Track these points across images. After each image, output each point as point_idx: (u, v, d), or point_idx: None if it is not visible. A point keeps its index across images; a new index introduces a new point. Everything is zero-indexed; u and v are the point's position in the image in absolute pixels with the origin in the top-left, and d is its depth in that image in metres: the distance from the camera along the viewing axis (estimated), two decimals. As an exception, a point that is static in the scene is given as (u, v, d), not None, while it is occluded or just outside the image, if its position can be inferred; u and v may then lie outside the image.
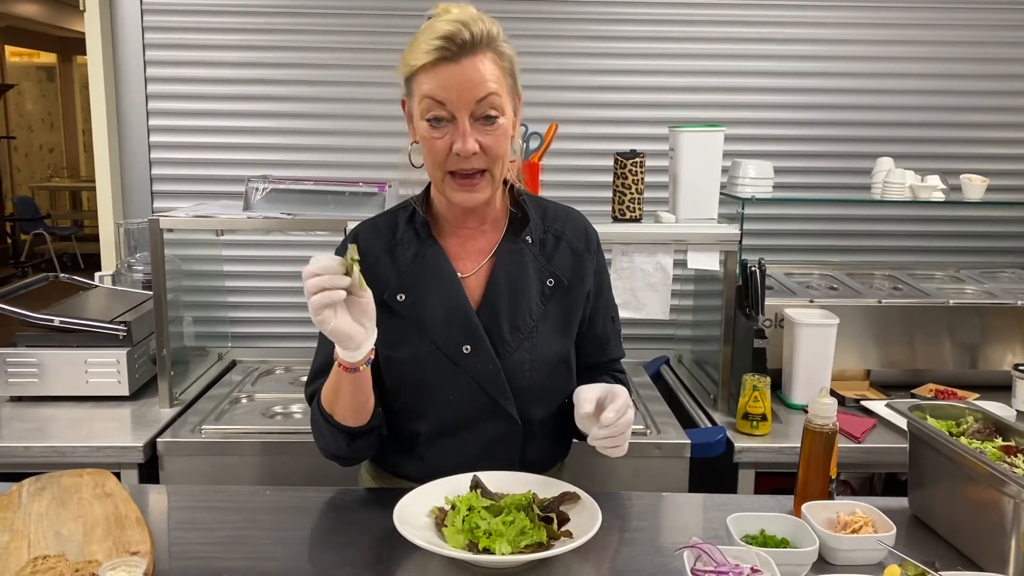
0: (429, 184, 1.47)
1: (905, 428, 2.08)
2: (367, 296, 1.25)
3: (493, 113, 1.32)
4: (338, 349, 1.28)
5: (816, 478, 1.41)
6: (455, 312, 1.42)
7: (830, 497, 1.42)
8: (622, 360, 1.61)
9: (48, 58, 11.79)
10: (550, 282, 1.46)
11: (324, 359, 1.48)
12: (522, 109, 1.44)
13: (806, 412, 2.24)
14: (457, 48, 1.28)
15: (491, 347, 1.41)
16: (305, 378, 2.56)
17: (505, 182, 1.46)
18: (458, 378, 1.41)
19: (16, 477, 1.59)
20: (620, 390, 1.36)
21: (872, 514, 1.36)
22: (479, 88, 1.30)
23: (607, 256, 1.65)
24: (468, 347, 1.41)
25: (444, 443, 1.46)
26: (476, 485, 1.40)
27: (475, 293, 1.45)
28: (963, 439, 1.39)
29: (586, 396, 1.34)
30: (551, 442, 1.54)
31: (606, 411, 1.30)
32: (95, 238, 3.02)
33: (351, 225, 2.18)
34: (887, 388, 2.45)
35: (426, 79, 1.31)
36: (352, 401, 1.36)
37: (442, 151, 1.33)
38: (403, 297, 1.43)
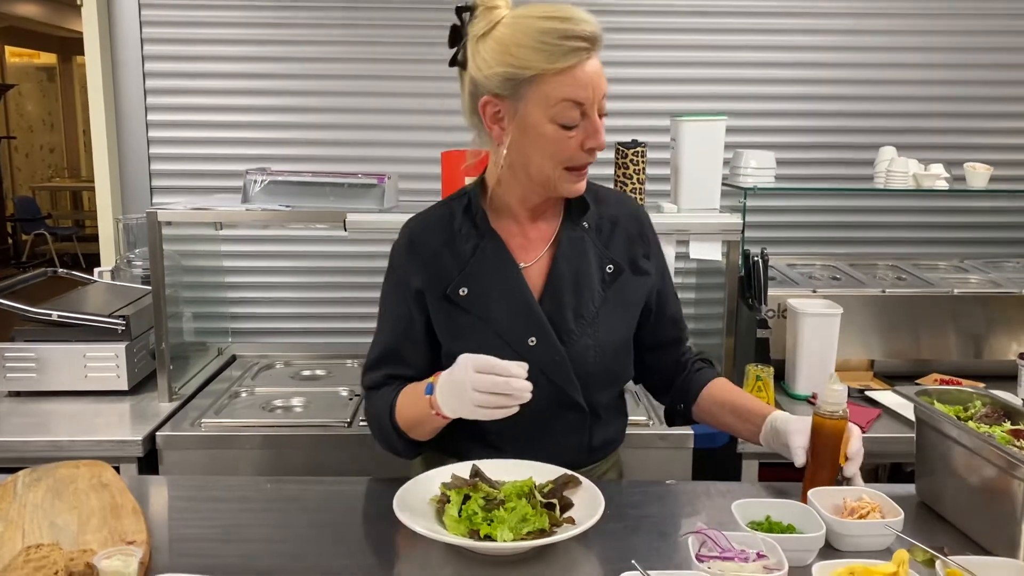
0: (483, 175, 1.48)
1: (910, 418, 2.08)
2: None
3: (605, 106, 1.35)
4: (443, 408, 1.33)
5: (825, 467, 1.38)
6: (519, 305, 1.42)
7: (839, 485, 1.40)
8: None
9: (48, 58, 11.79)
10: (609, 268, 1.47)
11: (384, 347, 1.49)
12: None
13: (811, 402, 2.25)
14: (592, 44, 1.30)
15: (556, 337, 1.41)
16: (306, 372, 2.61)
17: None
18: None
19: (15, 472, 1.57)
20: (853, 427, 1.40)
21: (879, 500, 1.34)
22: (603, 82, 1.32)
23: None
24: (533, 339, 1.40)
25: (514, 433, 1.44)
26: (476, 473, 1.38)
27: (537, 283, 1.45)
28: (971, 423, 1.37)
29: (795, 428, 1.41)
30: (614, 425, 1.55)
31: (852, 442, 1.38)
32: (96, 238, 3.01)
33: (350, 217, 2.18)
34: (891, 378, 2.43)
35: (562, 82, 1.29)
36: (436, 430, 1.42)
37: (573, 148, 1.34)
38: (465, 291, 1.42)
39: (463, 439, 1.48)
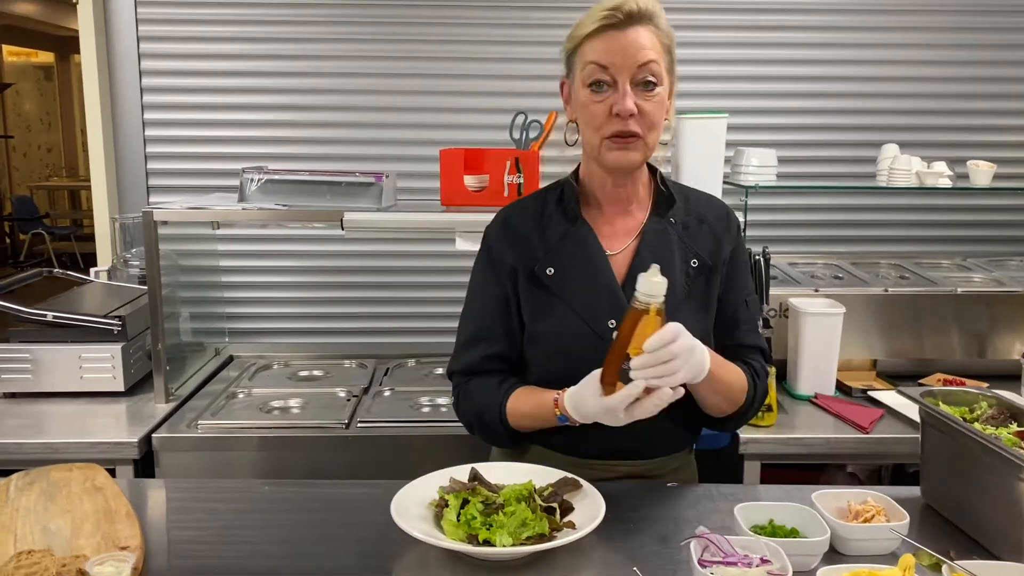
0: (578, 167, 1.54)
1: (913, 418, 2.07)
2: None
3: (652, 80, 1.37)
4: (572, 412, 1.37)
5: (612, 358, 1.30)
6: (602, 288, 1.46)
7: (622, 379, 1.31)
8: (761, 349, 1.57)
9: (46, 57, 11.75)
10: (694, 263, 1.49)
11: (478, 326, 1.54)
12: (676, 89, 1.47)
13: (813, 402, 2.23)
14: (624, 17, 1.36)
15: None
16: (304, 372, 2.59)
17: (652, 168, 1.52)
18: (603, 352, 1.36)
19: (9, 474, 1.55)
20: (677, 326, 1.29)
21: (884, 503, 1.32)
22: (640, 54, 1.36)
23: None
24: (613, 322, 1.42)
25: None
26: (474, 477, 1.37)
27: (621, 270, 1.48)
28: (977, 425, 1.36)
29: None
30: (688, 422, 1.54)
31: (650, 338, 1.27)
32: (94, 237, 2.98)
33: (348, 216, 2.16)
34: (894, 378, 2.41)
35: (591, 46, 1.38)
36: (543, 426, 1.46)
37: (602, 114, 1.38)
38: (552, 271, 1.47)
39: None
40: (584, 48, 1.39)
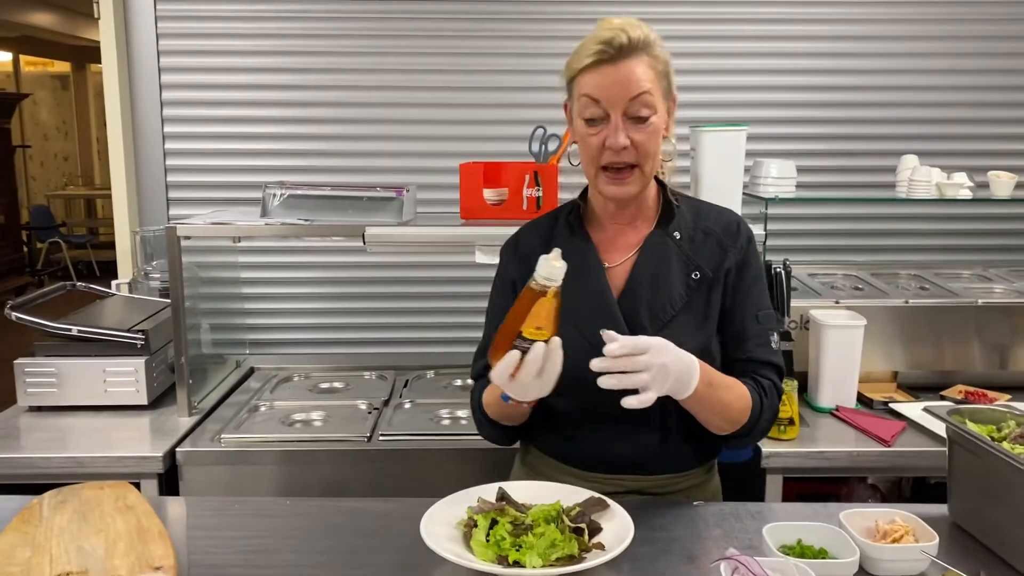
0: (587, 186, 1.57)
1: (935, 431, 2.06)
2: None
3: (645, 112, 1.40)
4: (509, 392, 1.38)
5: (505, 330, 1.31)
6: (597, 299, 1.49)
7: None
8: (774, 365, 1.53)
9: (62, 67, 11.86)
10: (695, 275, 1.50)
11: (485, 340, 1.60)
12: (676, 111, 1.51)
13: (834, 415, 2.22)
14: (615, 51, 1.38)
15: (629, 333, 1.41)
16: (324, 385, 2.60)
17: (659, 181, 1.56)
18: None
19: (37, 488, 1.57)
20: (656, 341, 1.32)
21: (912, 522, 1.32)
22: (633, 86, 1.39)
23: None
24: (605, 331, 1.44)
25: (586, 425, 1.52)
26: (503, 496, 1.37)
27: (618, 282, 1.52)
28: (1005, 444, 1.35)
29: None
30: (697, 437, 1.52)
31: (610, 345, 1.29)
32: (110, 245, 3.01)
33: (369, 230, 2.18)
34: (915, 390, 2.40)
35: (585, 79, 1.41)
36: (524, 416, 1.51)
37: (596, 147, 1.42)
38: None
39: (541, 429, 1.57)
40: (579, 80, 1.43)
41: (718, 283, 1.51)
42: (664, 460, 1.53)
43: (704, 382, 1.37)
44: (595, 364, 1.29)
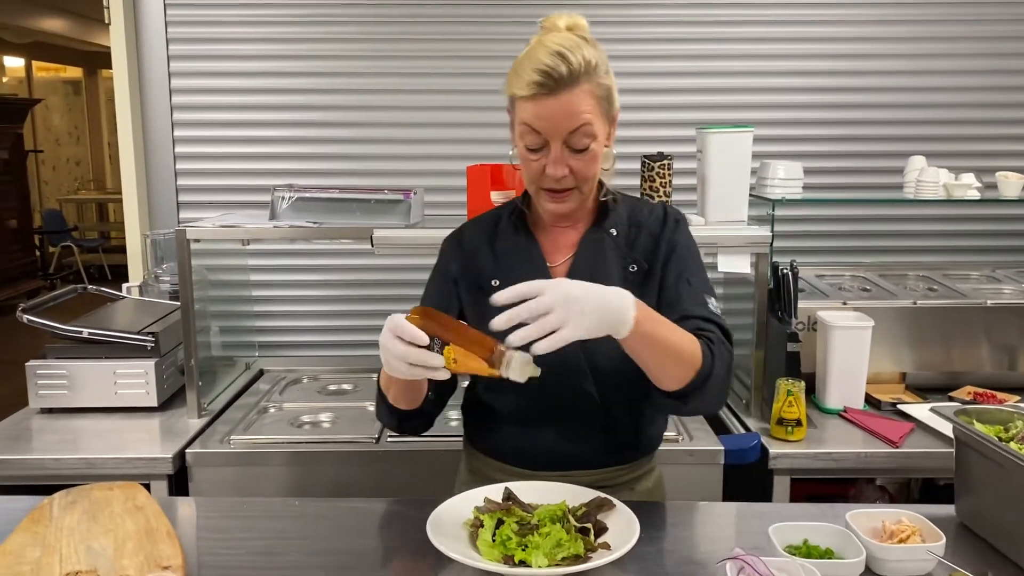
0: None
1: (943, 432, 2.06)
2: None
3: (585, 143, 1.40)
4: (385, 368, 1.32)
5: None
6: None
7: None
8: (715, 323, 1.45)
9: (74, 72, 11.95)
10: (633, 267, 1.52)
11: None
12: (618, 121, 1.50)
13: (843, 416, 2.22)
14: (554, 83, 1.35)
15: None
16: (333, 387, 2.61)
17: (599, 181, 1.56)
18: (541, 357, 1.34)
19: (48, 489, 1.58)
20: (551, 281, 1.25)
21: (919, 523, 1.32)
22: (573, 119, 1.38)
23: None
24: None
25: (531, 424, 1.51)
26: (509, 496, 1.38)
27: None
28: (1013, 444, 1.35)
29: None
30: (640, 428, 1.55)
31: (496, 295, 1.23)
32: (122, 249, 3.03)
33: (377, 233, 2.19)
34: (924, 391, 2.40)
35: (525, 108, 1.39)
36: (404, 391, 1.44)
37: (537, 171, 1.43)
38: (497, 283, 1.50)
39: (482, 427, 1.59)
40: (519, 105, 1.41)
41: (655, 273, 1.52)
42: (609, 453, 1.54)
43: (643, 315, 1.27)
44: (495, 322, 1.21)
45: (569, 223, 1.56)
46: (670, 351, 1.31)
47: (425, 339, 1.24)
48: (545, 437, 1.51)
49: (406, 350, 1.24)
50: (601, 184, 1.56)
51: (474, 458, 1.64)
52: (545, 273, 1.52)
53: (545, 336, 1.19)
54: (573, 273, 1.51)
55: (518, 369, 1.23)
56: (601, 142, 1.43)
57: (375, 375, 2.65)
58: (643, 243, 1.54)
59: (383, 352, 1.27)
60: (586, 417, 1.49)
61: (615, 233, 1.55)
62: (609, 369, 1.46)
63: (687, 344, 1.34)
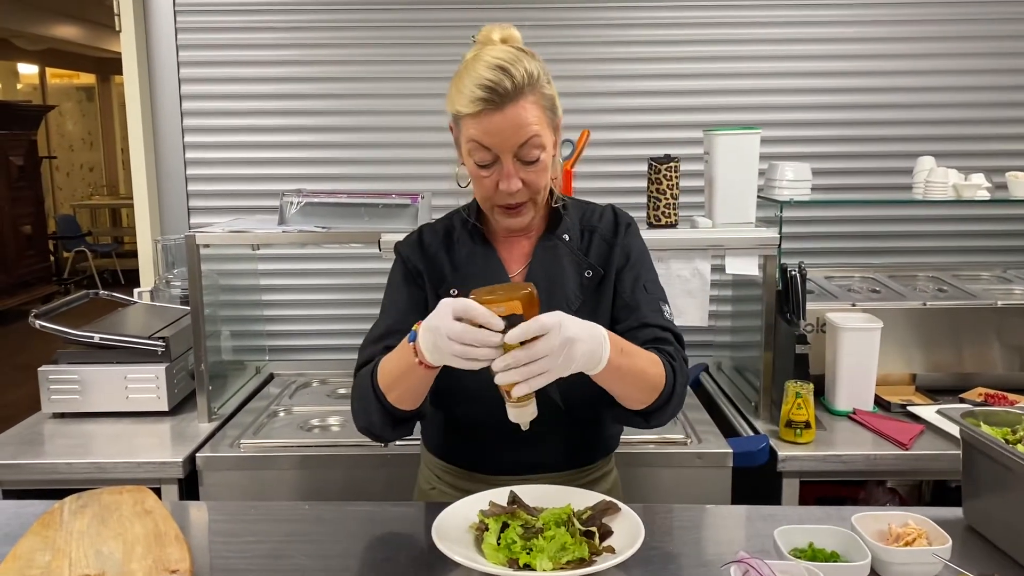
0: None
1: (954, 433, 2.05)
2: None
3: (535, 154, 1.40)
4: (426, 354, 1.27)
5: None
6: None
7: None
8: (671, 333, 1.48)
9: (87, 79, 12.05)
10: (588, 273, 1.53)
11: (388, 325, 1.53)
12: (561, 126, 1.49)
13: (852, 418, 2.22)
14: (500, 98, 1.35)
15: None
16: (343, 390, 2.62)
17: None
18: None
19: (60, 493, 1.60)
20: (549, 319, 1.21)
21: (925, 525, 1.31)
22: (522, 133, 1.37)
23: None
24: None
25: (492, 432, 1.47)
26: (513, 500, 1.38)
27: None
28: (1020, 447, 1.34)
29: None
30: (600, 429, 1.57)
31: (513, 329, 1.19)
32: (135, 254, 3.06)
33: (385, 237, 2.20)
34: (934, 393, 2.38)
35: (471, 125, 1.39)
36: (416, 388, 1.38)
37: (490, 187, 1.43)
38: (455, 292, 1.50)
39: (441, 435, 1.59)
40: (464, 121, 1.39)
41: (609, 278, 1.53)
42: (569, 458, 1.55)
43: (616, 349, 1.28)
44: (499, 365, 1.20)
45: (522, 232, 1.56)
46: (637, 379, 1.36)
47: (500, 324, 1.19)
48: (507, 446, 1.49)
49: (487, 336, 1.19)
50: (551, 192, 1.55)
51: (431, 467, 1.64)
52: (504, 280, 1.52)
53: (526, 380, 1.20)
54: (529, 280, 1.51)
55: (524, 417, 1.28)
56: (550, 152, 1.43)
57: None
58: (596, 248, 1.55)
59: (447, 338, 1.20)
60: (550, 424, 1.43)
61: (568, 239, 1.55)
62: (575, 378, 1.37)
63: (651, 368, 1.37)
